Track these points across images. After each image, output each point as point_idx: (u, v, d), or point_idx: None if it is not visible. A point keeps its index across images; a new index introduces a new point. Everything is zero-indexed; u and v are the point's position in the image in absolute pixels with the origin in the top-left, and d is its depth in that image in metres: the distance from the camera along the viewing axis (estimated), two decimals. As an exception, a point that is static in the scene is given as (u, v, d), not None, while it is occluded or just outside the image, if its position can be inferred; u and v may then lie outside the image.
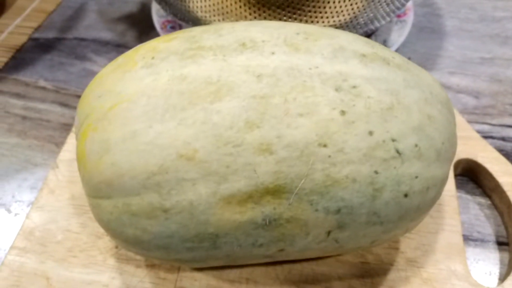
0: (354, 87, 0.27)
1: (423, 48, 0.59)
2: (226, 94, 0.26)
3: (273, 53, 0.28)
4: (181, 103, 0.26)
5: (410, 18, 0.57)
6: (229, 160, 0.26)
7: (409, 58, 0.57)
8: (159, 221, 0.27)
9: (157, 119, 0.26)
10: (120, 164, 0.26)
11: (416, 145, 0.28)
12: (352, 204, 0.27)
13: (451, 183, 0.41)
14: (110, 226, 0.28)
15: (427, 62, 0.57)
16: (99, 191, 0.28)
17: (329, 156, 0.26)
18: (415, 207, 0.29)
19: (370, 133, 0.27)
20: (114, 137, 0.26)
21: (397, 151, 0.27)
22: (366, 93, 0.27)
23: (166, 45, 0.29)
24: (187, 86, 0.27)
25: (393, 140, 0.27)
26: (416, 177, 0.28)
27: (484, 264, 0.39)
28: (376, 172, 0.27)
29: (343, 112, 0.26)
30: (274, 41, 0.29)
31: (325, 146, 0.26)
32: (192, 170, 0.26)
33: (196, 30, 0.30)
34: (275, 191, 0.26)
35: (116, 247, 0.37)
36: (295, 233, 0.28)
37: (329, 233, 0.28)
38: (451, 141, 0.31)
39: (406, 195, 0.28)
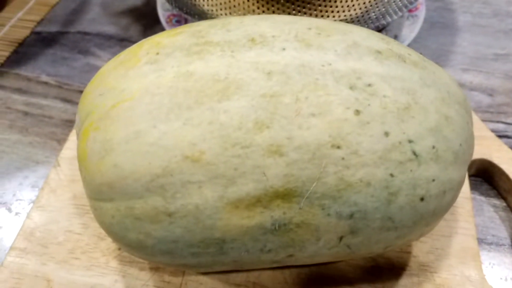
0: (369, 85, 0.26)
1: (435, 44, 0.57)
2: (234, 93, 0.25)
3: (283, 49, 0.27)
4: (187, 102, 0.25)
5: (421, 13, 0.56)
6: (237, 162, 0.24)
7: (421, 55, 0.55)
8: (163, 226, 0.25)
9: (161, 118, 0.25)
10: (123, 165, 0.25)
11: (433, 147, 0.26)
12: (366, 208, 0.26)
13: (465, 184, 0.40)
14: (112, 230, 0.27)
15: (439, 58, 0.55)
16: (101, 194, 0.26)
17: (343, 159, 0.25)
18: (431, 212, 0.28)
19: (386, 134, 0.25)
20: (116, 138, 0.25)
21: (414, 153, 0.26)
22: (381, 92, 0.26)
23: (171, 40, 0.28)
24: (193, 84, 0.25)
25: (410, 142, 0.26)
26: (433, 180, 0.26)
27: (500, 269, 0.37)
28: (391, 175, 0.25)
29: (357, 112, 0.25)
30: (285, 37, 0.27)
31: (338, 147, 0.25)
32: (198, 172, 0.24)
33: (202, 25, 0.29)
34: (285, 195, 0.25)
35: (119, 249, 0.36)
36: (305, 238, 0.26)
37: (341, 238, 0.27)
38: (469, 142, 0.29)
39: (422, 199, 0.26)
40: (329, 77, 0.26)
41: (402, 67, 0.28)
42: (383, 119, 0.25)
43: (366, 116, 0.25)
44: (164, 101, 0.25)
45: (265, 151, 0.24)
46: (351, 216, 0.26)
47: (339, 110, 0.25)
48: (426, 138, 0.26)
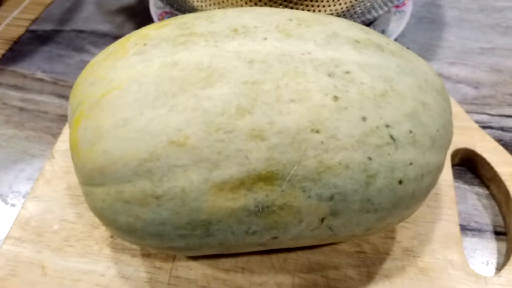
0: (347, 72, 0.27)
1: (423, 38, 0.58)
2: (217, 80, 0.26)
3: (265, 39, 0.28)
4: (172, 90, 0.26)
5: (408, 8, 0.57)
6: (221, 146, 0.25)
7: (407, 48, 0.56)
8: (151, 208, 0.26)
9: (148, 106, 0.26)
10: (112, 151, 0.26)
11: (410, 132, 0.27)
12: (345, 190, 0.27)
13: (448, 172, 0.41)
14: (103, 214, 0.28)
15: (426, 52, 0.56)
16: (92, 179, 0.27)
17: (322, 143, 0.26)
18: (409, 195, 0.29)
19: (364, 119, 0.26)
20: (106, 125, 0.26)
21: (391, 137, 0.27)
22: (359, 79, 0.27)
23: (158, 32, 0.29)
24: (178, 73, 0.26)
25: (387, 126, 0.27)
26: (411, 163, 0.28)
27: (481, 254, 0.38)
28: (369, 159, 0.26)
29: (335, 98, 0.26)
30: (267, 27, 0.28)
31: (317, 132, 0.26)
32: (184, 156, 0.25)
33: (187, 17, 0.30)
34: (268, 178, 0.26)
35: (112, 237, 0.37)
36: (288, 220, 0.27)
37: (322, 220, 0.28)
38: (447, 128, 0.30)
39: (400, 182, 0.28)
40: (309, 65, 0.27)
41: (380, 55, 0.29)
42: (361, 105, 0.26)
43: (344, 102, 0.26)
44: (151, 89, 0.26)
45: (247, 135, 0.25)
46: (331, 198, 0.27)
47: (318, 96, 0.26)
48: (403, 123, 0.27)
